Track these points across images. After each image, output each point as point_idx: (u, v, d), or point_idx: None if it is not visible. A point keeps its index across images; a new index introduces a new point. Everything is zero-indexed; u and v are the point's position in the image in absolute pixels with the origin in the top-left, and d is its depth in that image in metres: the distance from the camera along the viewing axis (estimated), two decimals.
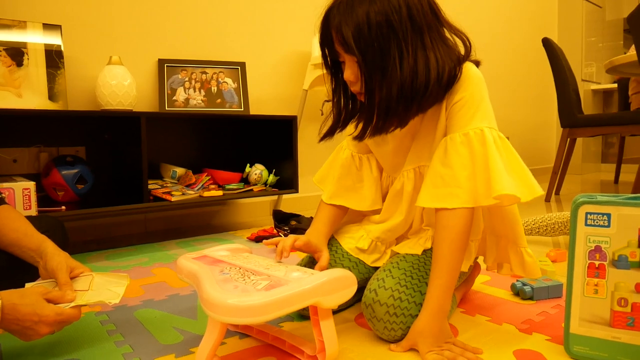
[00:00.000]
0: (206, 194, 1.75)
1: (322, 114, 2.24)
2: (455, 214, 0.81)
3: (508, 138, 0.84)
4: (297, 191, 1.96)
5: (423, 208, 0.95)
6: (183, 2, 2.03)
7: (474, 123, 0.82)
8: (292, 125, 1.94)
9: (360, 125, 0.88)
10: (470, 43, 0.85)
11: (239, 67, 2.08)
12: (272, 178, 1.96)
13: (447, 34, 0.84)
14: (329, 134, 0.93)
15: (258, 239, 1.77)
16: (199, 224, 2.15)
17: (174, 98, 1.92)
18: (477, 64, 0.88)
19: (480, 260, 1.08)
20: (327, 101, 0.97)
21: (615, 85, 3.72)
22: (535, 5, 4.07)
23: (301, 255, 1.39)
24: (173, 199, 1.65)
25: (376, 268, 1.00)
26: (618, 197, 0.77)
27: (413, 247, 0.95)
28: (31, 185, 1.36)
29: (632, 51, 2.46)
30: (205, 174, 1.89)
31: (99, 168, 1.79)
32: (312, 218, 1.86)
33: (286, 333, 0.85)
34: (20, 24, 1.56)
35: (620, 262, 0.75)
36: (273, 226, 1.90)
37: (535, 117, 4.15)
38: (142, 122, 1.56)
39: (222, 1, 2.14)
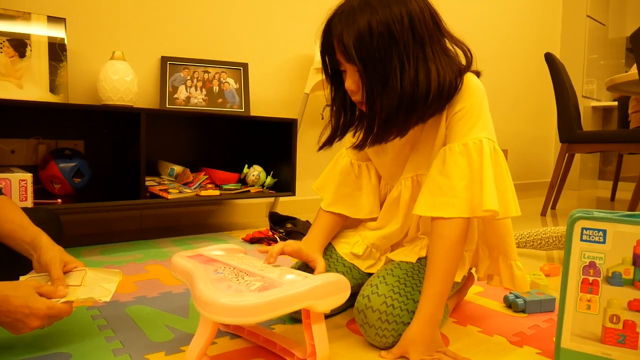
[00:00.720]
0: (203, 193, 1.75)
1: (322, 118, 2.25)
2: (451, 224, 0.81)
3: (506, 151, 0.85)
4: (294, 194, 1.96)
5: (419, 216, 0.95)
6: (188, 0, 2.03)
7: (473, 133, 0.82)
8: (292, 128, 1.94)
9: (361, 135, 0.88)
10: (471, 54, 0.86)
11: (242, 68, 2.09)
12: (269, 180, 1.96)
13: (449, 45, 0.84)
14: (328, 142, 0.93)
15: (253, 240, 1.77)
16: (195, 222, 2.15)
17: (175, 96, 1.92)
18: (477, 74, 0.89)
19: (473, 271, 1.08)
20: (328, 106, 0.97)
21: (616, 103, 3.74)
22: (539, 21, 4.09)
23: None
24: (170, 196, 1.65)
25: (370, 274, 0.99)
26: (614, 213, 0.77)
27: (408, 254, 0.95)
28: (28, 177, 1.36)
29: (634, 70, 2.48)
30: (203, 173, 1.89)
31: (97, 162, 1.79)
32: (307, 221, 1.86)
33: (277, 335, 0.85)
34: (25, 16, 1.56)
35: (614, 279, 0.75)
36: (268, 228, 1.90)
37: (534, 131, 4.17)
38: (142, 118, 1.56)
39: (227, 1, 2.15)
